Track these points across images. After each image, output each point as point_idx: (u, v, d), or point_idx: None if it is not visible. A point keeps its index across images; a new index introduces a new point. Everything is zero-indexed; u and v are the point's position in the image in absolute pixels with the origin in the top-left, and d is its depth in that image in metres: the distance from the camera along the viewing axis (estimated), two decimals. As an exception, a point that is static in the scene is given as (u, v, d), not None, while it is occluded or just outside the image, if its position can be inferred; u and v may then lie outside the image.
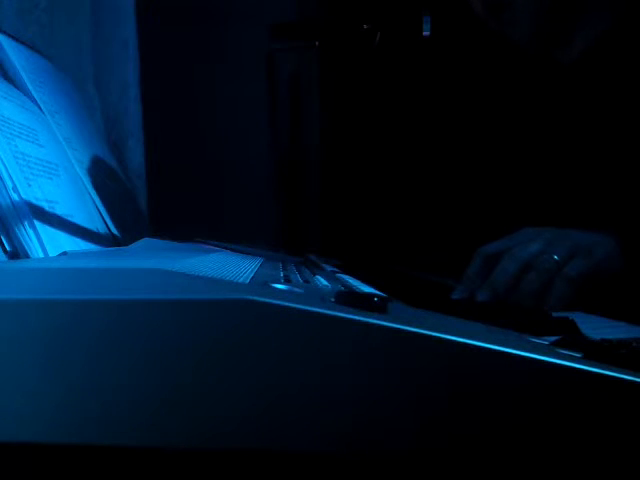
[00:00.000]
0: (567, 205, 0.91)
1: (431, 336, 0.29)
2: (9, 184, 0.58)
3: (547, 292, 0.70)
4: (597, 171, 0.89)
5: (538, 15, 0.89)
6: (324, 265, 0.86)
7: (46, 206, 0.63)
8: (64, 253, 0.60)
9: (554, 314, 0.63)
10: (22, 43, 0.86)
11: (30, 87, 0.80)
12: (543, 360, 0.29)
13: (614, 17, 0.90)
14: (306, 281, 0.53)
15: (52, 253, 0.58)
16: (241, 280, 0.43)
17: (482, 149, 1.11)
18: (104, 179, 0.91)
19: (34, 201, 0.61)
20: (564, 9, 0.90)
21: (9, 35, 0.83)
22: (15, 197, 0.58)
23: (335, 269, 0.79)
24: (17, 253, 0.56)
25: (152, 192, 1.29)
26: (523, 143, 1.01)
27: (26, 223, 0.57)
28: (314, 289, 0.46)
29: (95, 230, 0.76)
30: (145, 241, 0.84)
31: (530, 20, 0.89)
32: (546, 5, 0.89)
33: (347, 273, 0.72)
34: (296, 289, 0.34)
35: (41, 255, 0.57)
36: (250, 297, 0.29)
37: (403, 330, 0.29)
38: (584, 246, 0.73)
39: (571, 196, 0.91)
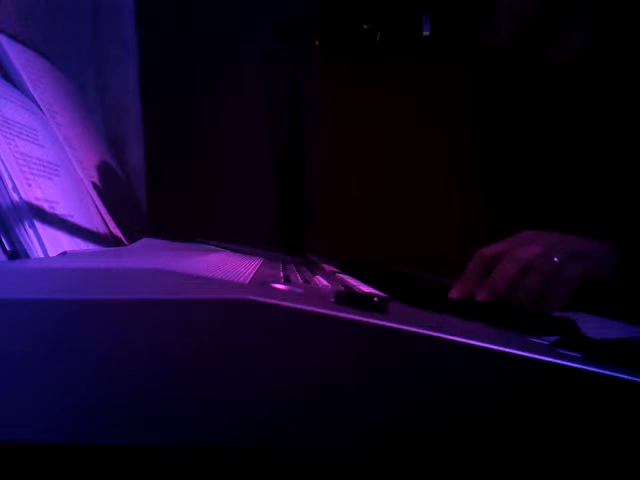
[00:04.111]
0: (564, 211, 0.91)
1: (431, 336, 0.29)
2: (9, 184, 0.58)
3: (546, 293, 0.71)
4: (594, 176, 0.90)
5: (519, 23, 0.89)
6: (324, 265, 0.86)
7: (46, 206, 0.63)
8: (64, 253, 0.60)
9: (554, 314, 0.63)
10: (22, 43, 0.86)
11: (30, 87, 0.80)
12: (543, 360, 0.29)
13: (601, 20, 0.90)
14: (306, 281, 0.53)
15: (52, 253, 0.58)
16: (241, 280, 0.43)
17: (480, 153, 1.11)
18: (104, 179, 0.91)
19: (34, 201, 0.61)
20: (545, 15, 0.90)
21: (9, 35, 0.83)
22: (15, 197, 0.58)
23: (335, 269, 0.79)
24: (17, 253, 0.56)
25: (152, 192, 1.29)
26: (521, 146, 1.02)
27: (26, 223, 0.57)
28: (314, 289, 0.46)
29: (95, 230, 0.76)
30: (145, 241, 0.84)
31: (512, 28, 0.89)
32: (527, 12, 0.89)
33: (347, 273, 0.72)
34: (296, 289, 0.34)
35: (41, 255, 0.57)
36: (250, 297, 0.29)
37: (403, 330, 0.29)
38: (582, 250, 0.74)
39: (568, 202, 0.92)
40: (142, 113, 1.26)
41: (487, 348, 0.29)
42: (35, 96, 0.80)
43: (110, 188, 0.93)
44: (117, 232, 0.83)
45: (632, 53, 0.88)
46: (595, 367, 0.29)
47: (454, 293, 0.74)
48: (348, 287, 0.54)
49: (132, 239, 0.84)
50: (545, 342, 0.38)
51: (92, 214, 0.78)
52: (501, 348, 0.29)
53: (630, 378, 0.29)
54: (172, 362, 0.28)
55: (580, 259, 0.72)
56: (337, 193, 1.43)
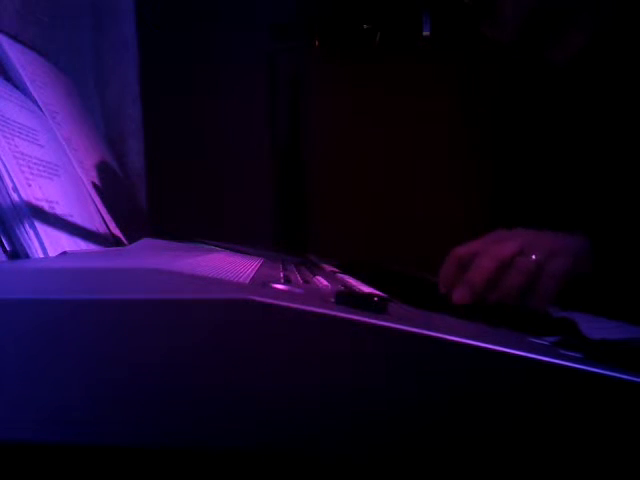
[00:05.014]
0: (564, 210, 0.91)
1: (431, 336, 0.29)
2: (9, 184, 0.58)
3: (530, 292, 0.70)
4: (594, 174, 0.90)
5: (523, 16, 0.89)
6: (324, 265, 0.86)
7: (46, 206, 0.63)
8: (64, 253, 0.60)
9: (554, 314, 0.63)
10: (22, 43, 0.86)
11: (30, 87, 0.80)
12: (543, 360, 0.29)
13: (603, 18, 0.90)
14: (306, 281, 0.53)
15: (52, 253, 0.58)
16: (241, 280, 0.43)
17: (480, 153, 1.11)
18: (104, 179, 0.91)
19: (34, 201, 0.61)
20: (550, 9, 0.90)
21: (9, 35, 0.83)
22: (15, 197, 0.58)
23: (335, 269, 0.79)
24: (17, 253, 0.56)
25: (152, 192, 1.29)
26: (520, 145, 1.02)
27: (26, 223, 0.57)
28: (314, 289, 0.46)
29: (95, 230, 0.76)
30: (145, 241, 0.84)
31: (516, 21, 0.89)
32: (531, 5, 0.89)
33: (347, 273, 0.72)
34: (296, 289, 0.34)
35: (41, 255, 0.57)
36: (250, 297, 0.29)
37: (403, 330, 0.29)
38: (559, 246, 0.73)
39: (568, 201, 0.92)
40: (142, 113, 1.26)
41: (487, 348, 0.29)
42: (35, 96, 0.80)
43: (110, 188, 0.93)
44: (117, 232, 0.83)
45: (633, 51, 0.88)
46: (596, 367, 0.29)
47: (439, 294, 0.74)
48: (348, 287, 0.54)
49: (132, 239, 0.84)
50: (545, 342, 0.38)
51: (92, 214, 0.78)
52: (501, 348, 0.29)
53: (630, 378, 0.29)
54: (172, 362, 0.28)
55: (559, 256, 0.72)
56: (337, 193, 1.43)
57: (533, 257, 0.71)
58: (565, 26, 0.91)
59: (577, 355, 0.31)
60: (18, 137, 0.65)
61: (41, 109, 0.79)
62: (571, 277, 0.71)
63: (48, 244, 0.58)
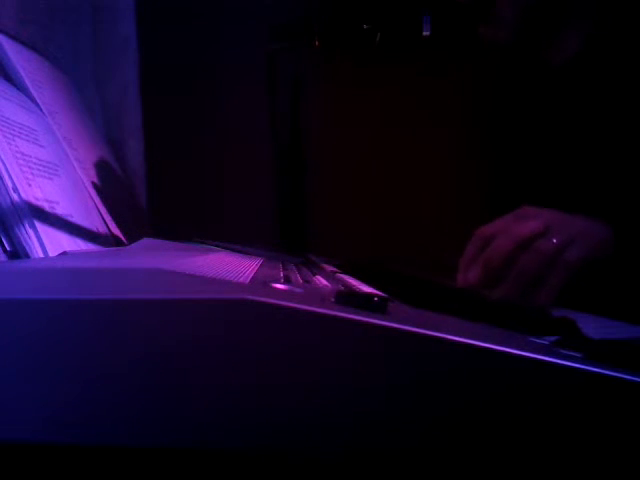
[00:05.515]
0: (563, 194, 0.90)
1: (431, 336, 0.29)
2: (9, 184, 0.58)
3: (544, 276, 0.69)
4: (594, 163, 0.90)
5: (521, 15, 0.89)
6: (324, 265, 0.86)
7: (46, 206, 0.63)
8: (64, 253, 0.60)
9: (554, 314, 0.63)
10: (22, 43, 0.86)
11: (30, 87, 0.80)
12: (543, 360, 0.29)
13: (599, 20, 0.90)
14: (306, 281, 0.53)
15: (52, 253, 0.58)
16: (241, 280, 0.43)
17: (481, 153, 1.11)
18: (104, 179, 0.91)
19: (34, 201, 0.61)
20: (545, 10, 0.90)
21: (9, 35, 0.83)
22: (15, 197, 0.58)
23: (335, 269, 0.79)
24: (17, 253, 0.56)
25: (152, 192, 1.29)
26: (520, 146, 1.02)
27: (26, 223, 0.57)
28: (314, 289, 0.46)
29: (95, 230, 0.76)
30: (145, 241, 0.84)
31: (513, 21, 0.89)
32: (529, 5, 0.89)
33: (347, 273, 0.72)
34: (296, 289, 0.34)
35: (41, 255, 0.57)
36: (250, 297, 0.29)
37: (403, 330, 0.29)
38: (582, 232, 0.72)
39: (567, 186, 0.92)
40: (142, 113, 1.26)
41: (487, 348, 0.29)
42: (35, 96, 0.80)
43: (110, 188, 0.93)
44: (117, 232, 0.83)
45: (628, 52, 0.88)
46: (597, 367, 0.29)
47: (460, 279, 0.73)
48: (348, 287, 0.54)
49: (132, 239, 0.84)
50: (545, 342, 0.38)
51: (92, 214, 0.78)
52: (501, 348, 0.29)
53: (630, 378, 0.29)
54: (172, 362, 0.28)
55: (580, 242, 0.71)
56: (337, 193, 1.43)
57: (554, 240, 0.69)
58: (561, 27, 0.91)
59: (577, 355, 0.31)
60: (18, 137, 0.65)
61: (41, 109, 0.79)
62: (587, 264, 0.70)
63: (48, 244, 0.58)
